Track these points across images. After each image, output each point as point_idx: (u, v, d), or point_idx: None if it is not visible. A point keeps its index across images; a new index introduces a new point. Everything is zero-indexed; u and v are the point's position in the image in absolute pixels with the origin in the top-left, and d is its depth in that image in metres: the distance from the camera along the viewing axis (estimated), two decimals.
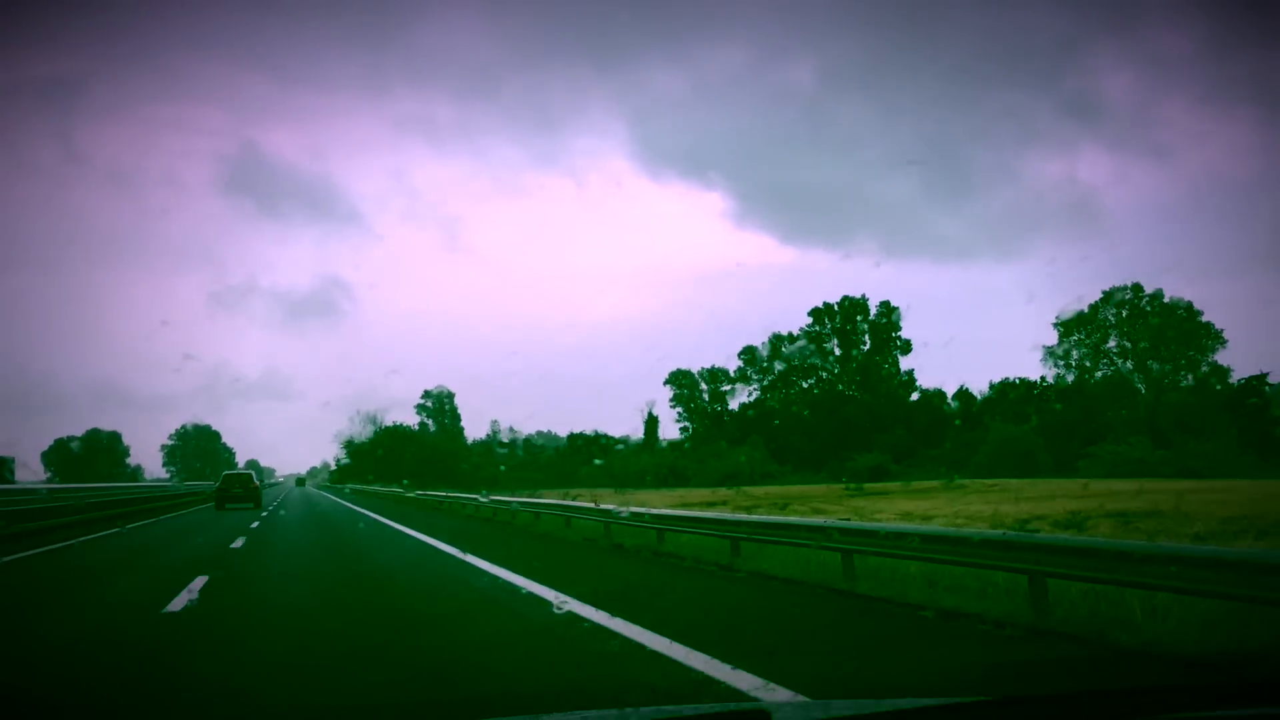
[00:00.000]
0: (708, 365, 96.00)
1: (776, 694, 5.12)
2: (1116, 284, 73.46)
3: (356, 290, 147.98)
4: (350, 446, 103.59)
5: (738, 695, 5.12)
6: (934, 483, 45.25)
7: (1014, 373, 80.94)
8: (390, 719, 5.35)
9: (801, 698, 4.75)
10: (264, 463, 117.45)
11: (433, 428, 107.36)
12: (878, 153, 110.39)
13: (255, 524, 27.34)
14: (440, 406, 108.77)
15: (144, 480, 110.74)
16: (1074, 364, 73.86)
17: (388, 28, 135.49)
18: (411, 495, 46.92)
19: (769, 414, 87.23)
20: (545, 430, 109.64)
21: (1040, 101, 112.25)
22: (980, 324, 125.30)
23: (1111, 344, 72.44)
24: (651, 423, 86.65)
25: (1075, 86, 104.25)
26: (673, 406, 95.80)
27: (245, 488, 38.84)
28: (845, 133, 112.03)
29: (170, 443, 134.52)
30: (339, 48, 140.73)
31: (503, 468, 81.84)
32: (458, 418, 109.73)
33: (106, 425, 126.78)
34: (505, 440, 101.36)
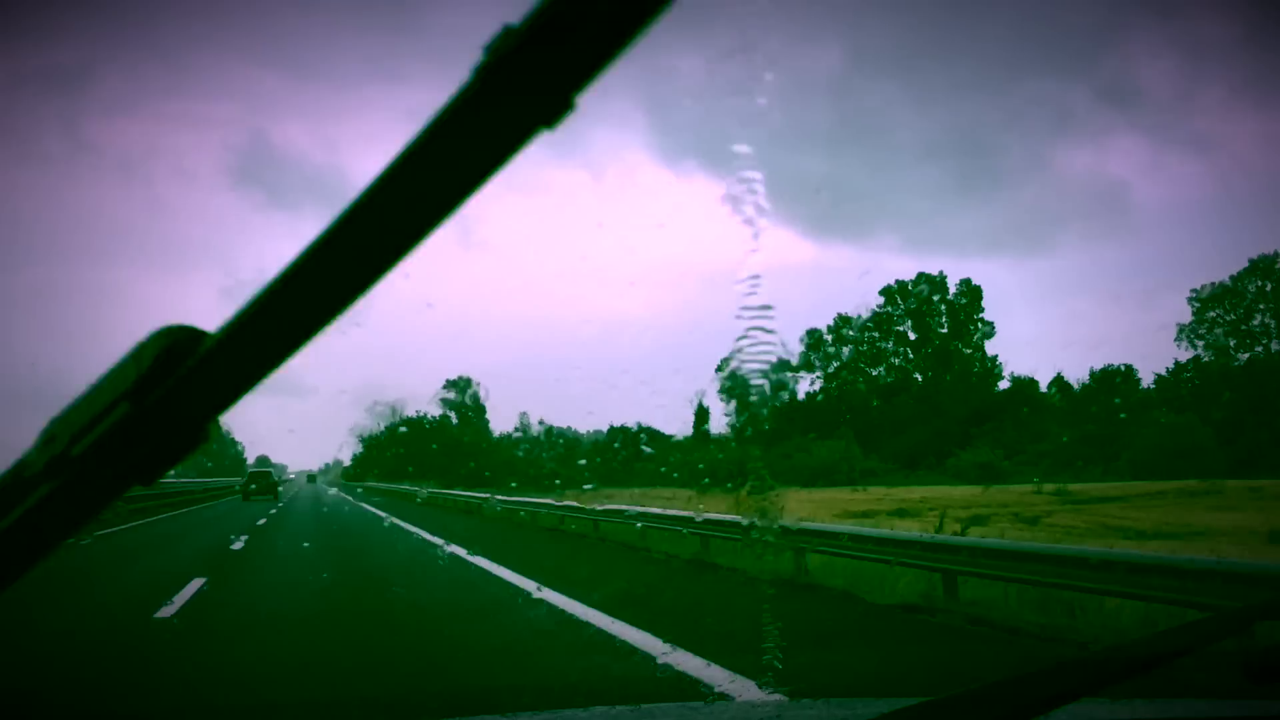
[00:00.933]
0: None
1: None
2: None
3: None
4: (369, 440, 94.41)
5: None
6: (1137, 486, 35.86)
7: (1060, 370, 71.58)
8: None
9: None
10: (275, 459, 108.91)
11: (455, 420, 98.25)
12: (904, 143, 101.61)
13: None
14: (464, 398, 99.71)
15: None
16: (1213, 343, 64.33)
17: (401, 12, 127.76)
18: (452, 496, 37.75)
19: (838, 404, 78.02)
20: (564, 427, 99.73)
21: (1074, 89, 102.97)
22: (1014, 319, 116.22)
23: (1256, 320, 63.05)
24: (702, 415, 76.85)
25: (1111, 73, 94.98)
26: (725, 399, 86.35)
27: (266, 482, 46.60)
28: (871, 122, 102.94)
29: None
30: (350, 36, 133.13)
31: (548, 460, 73.00)
32: (483, 410, 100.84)
33: None
34: (536, 435, 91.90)
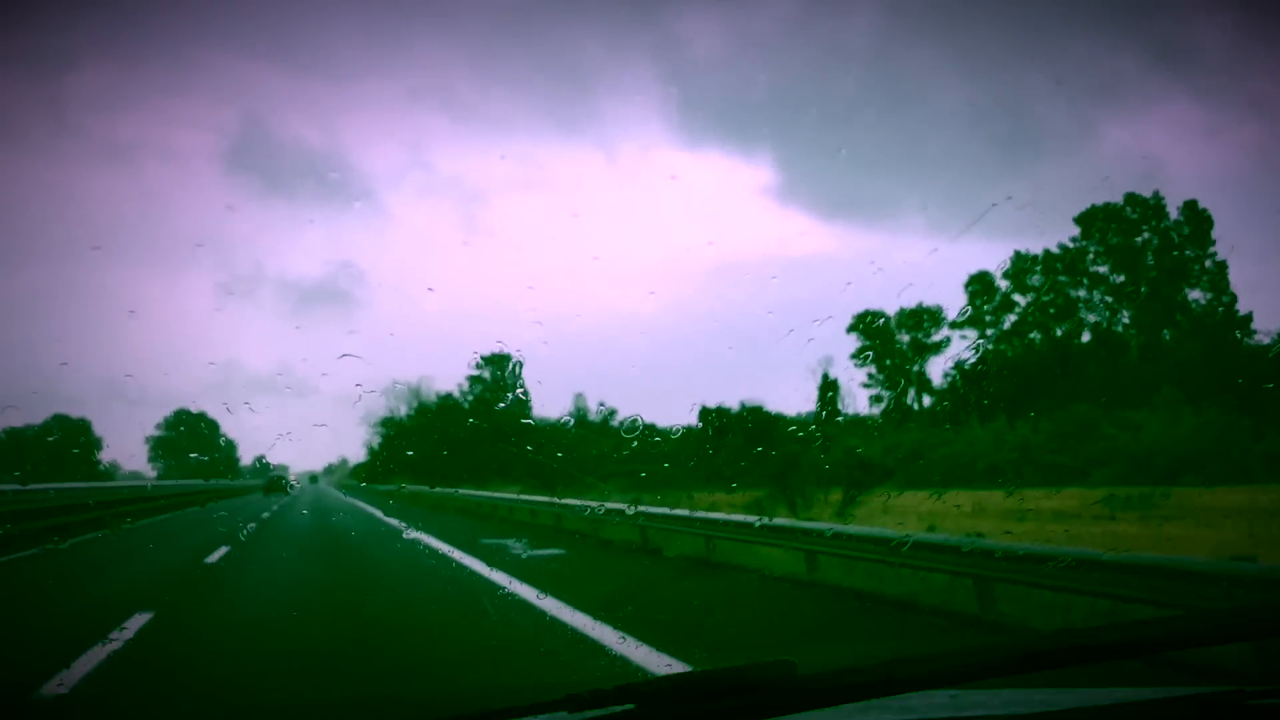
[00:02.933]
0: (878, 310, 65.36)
1: None
2: None
3: (371, 276, 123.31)
4: (392, 425, 73.47)
5: None
6: None
7: None
8: None
9: None
10: (274, 460, 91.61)
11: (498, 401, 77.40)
12: (938, 115, 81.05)
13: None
14: (503, 377, 76.80)
15: (115, 480, 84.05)
16: None
17: None
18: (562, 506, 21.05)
19: (1015, 370, 56.76)
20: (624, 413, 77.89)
21: (1124, 53, 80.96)
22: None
23: None
24: (828, 389, 54.48)
25: (1164, 34, 74.61)
26: (859, 364, 64.28)
27: (281, 483, 56.26)
28: (904, 92, 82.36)
29: (158, 434, 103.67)
30: (348, 15, 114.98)
31: (633, 442, 51.73)
32: (528, 394, 79.97)
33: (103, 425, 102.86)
34: (593, 421, 70.04)
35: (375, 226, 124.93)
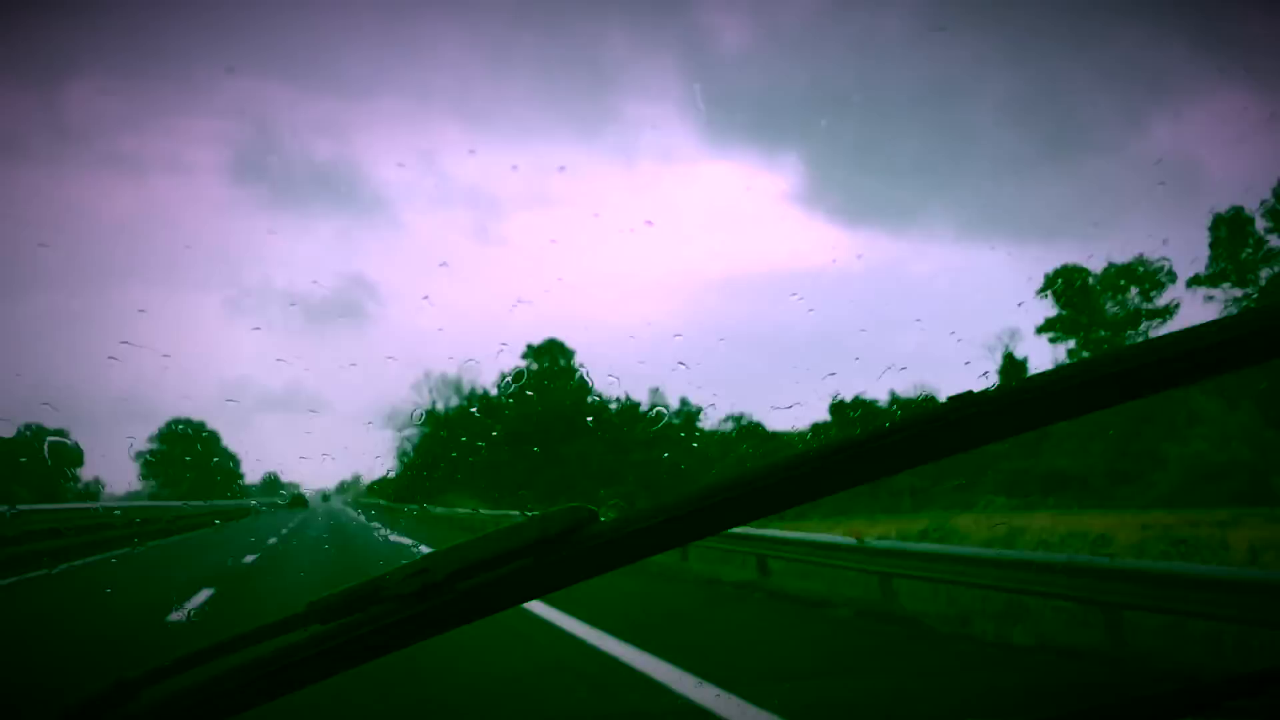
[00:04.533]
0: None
1: None
2: None
3: (383, 287, 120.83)
4: (433, 420, 61.31)
5: None
6: None
7: None
8: None
9: None
10: (285, 478, 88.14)
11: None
12: (976, 112, 78.89)
13: None
14: (562, 364, 56.59)
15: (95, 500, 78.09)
16: None
17: None
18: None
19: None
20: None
21: (1173, 44, 78.26)
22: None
23: None
24: (1013, 369, 45.56)
25: (1222, 20, 71.66)
26: (1053, 339, 48.14)
27: (302, 500, 57.25)
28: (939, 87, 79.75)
29: (150, 447, 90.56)
30: (356, 20, 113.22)
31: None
32: (587, 386, 68.82)
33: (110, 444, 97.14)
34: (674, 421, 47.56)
35: (387, 236, 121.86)
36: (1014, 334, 47.85)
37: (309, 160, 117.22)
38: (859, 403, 39.35)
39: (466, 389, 60.72)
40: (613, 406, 44.69)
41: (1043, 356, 48.46)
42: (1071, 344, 48.06)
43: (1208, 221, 44.09)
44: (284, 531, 29.14)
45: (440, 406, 63.24)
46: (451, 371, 64.79)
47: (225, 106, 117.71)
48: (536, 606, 7.06)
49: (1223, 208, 45.54)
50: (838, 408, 32.08)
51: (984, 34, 79.31)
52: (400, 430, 62.52)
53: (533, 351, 55.71)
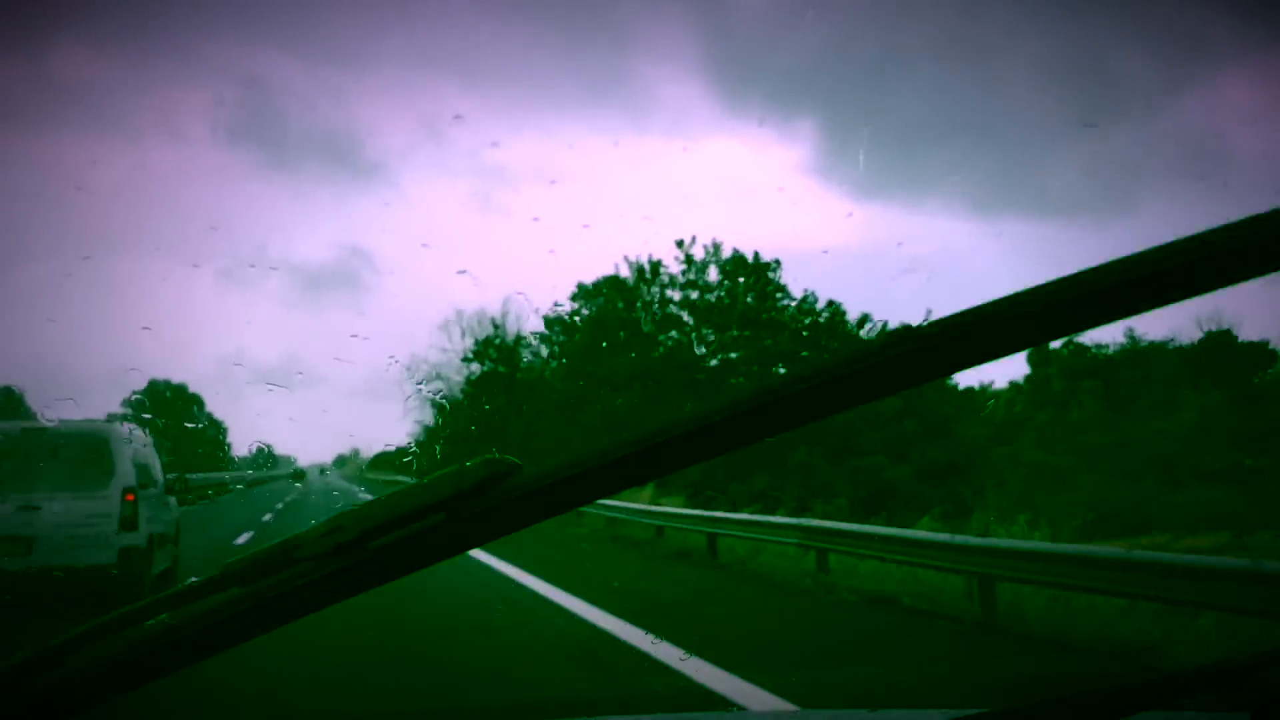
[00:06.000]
0: None
1: None
2: None
3: (378, 259, 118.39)
4: (489, 351, 49.24)
5: None
6: None
7: None
8: None
9: None
10: (279, 451, 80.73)
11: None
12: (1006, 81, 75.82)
13: None
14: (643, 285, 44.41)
15: None
16: None
17: None
18: None
19: None
20: None
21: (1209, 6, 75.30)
22: None
23: None
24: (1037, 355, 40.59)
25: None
26: None
27: (300, 475, 60.76)
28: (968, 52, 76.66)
29: (122, 412, 78.66)
30: None
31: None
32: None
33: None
34: None
35: (390, 203, 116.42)
36: None
37: (307, 125, 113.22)
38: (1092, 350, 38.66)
39: (514, 330, 48.58)
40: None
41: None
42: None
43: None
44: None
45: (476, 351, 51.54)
46: (492, 308, 51.53)
47: (223, 74, 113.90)
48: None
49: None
50: None
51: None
52: (428, 384, 49.98)
53: (584, 291, 43.32)
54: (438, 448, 46.99)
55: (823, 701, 5.74)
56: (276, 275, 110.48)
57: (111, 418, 76.06)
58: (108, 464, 9.94)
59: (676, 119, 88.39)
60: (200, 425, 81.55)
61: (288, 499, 36.11)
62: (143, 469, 10.55)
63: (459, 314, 50.16)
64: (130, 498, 9.94)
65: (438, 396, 51.14)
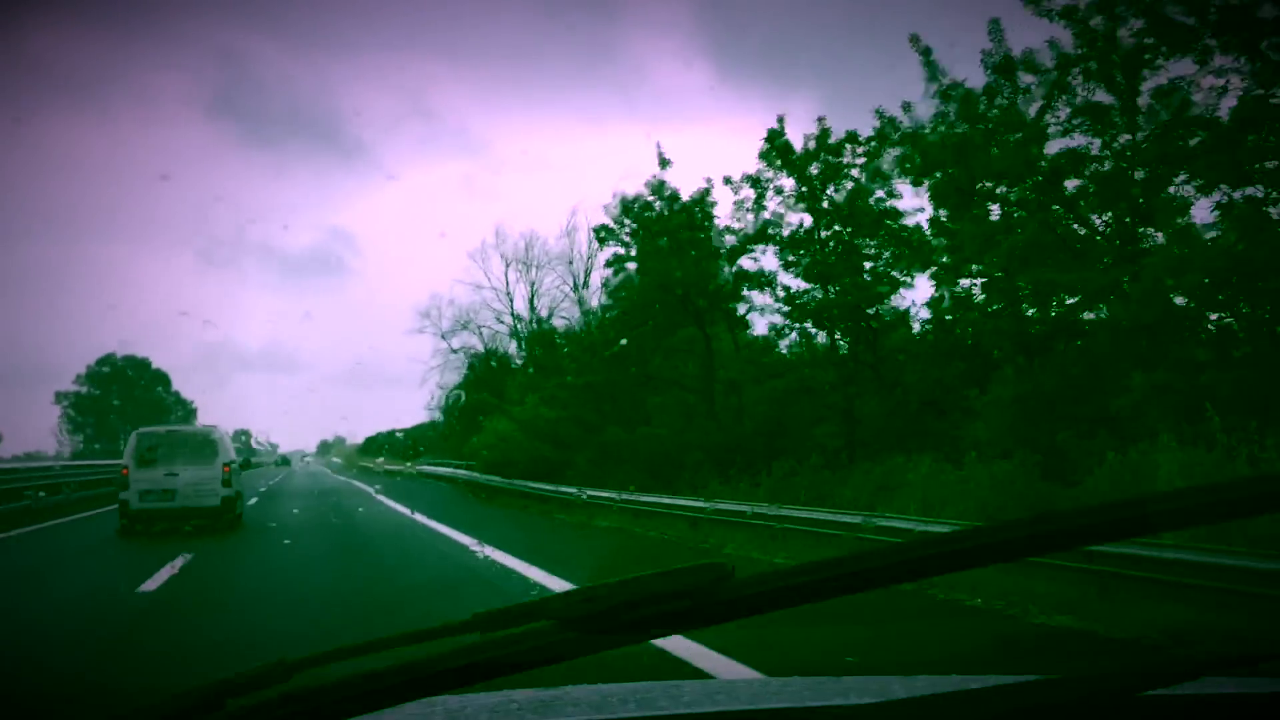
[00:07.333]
0: None
1: None
2: None
3: (360, 242, 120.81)
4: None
5: None
6: None
7: None
8: None
9: None
10: (259, 437, 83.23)
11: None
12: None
13: None
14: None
15: None
16: None
17: None
18: None
19: None
20: None
21: None
22: None
23: None
24: None
25: None
26: None
27: (284, 461, 75.76)
28: None
29: (76, 389, 76.73)
30: None
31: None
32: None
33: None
34: None
35: (374, 179, 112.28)
36: None
37: (289, 102, 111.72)
38: None
39: (581, 271, 35.23)
40: None
41: None
42: None
43: None
44: None
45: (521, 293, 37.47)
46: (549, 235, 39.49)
47: (194, 34, 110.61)
48: None
49: None
50: None
51: None
52: (450, 338, 37.99)
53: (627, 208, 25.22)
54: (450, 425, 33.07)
55: None
56: (258, 257, 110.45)
57: (59, 396, 75.94)
58: (213, 450, 17.14)
59: (666, 93, 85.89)
60: (166, 401, 76.33)
61: (278, 479, 46.99)
62: (227, 453, 17.90)
63: (498, 234, 40.61)
64: (226, 469, 17.17)
65: (468, 353, 37.90)
